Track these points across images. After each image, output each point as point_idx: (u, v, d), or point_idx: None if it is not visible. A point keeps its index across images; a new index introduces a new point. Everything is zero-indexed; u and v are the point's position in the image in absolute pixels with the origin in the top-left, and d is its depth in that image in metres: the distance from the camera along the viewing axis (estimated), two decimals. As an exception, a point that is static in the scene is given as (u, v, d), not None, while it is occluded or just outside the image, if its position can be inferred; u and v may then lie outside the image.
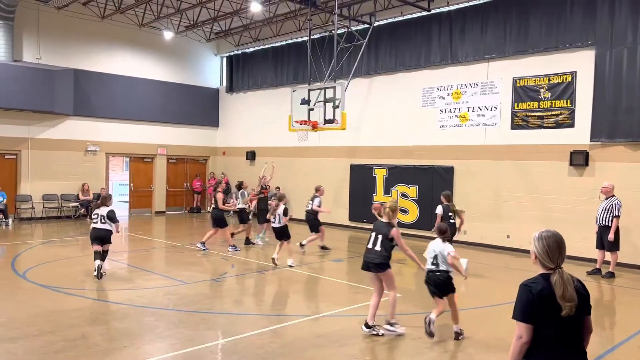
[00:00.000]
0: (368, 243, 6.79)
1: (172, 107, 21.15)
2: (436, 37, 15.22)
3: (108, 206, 9.68)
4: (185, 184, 22.17)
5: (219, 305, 8.16)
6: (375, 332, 6.59)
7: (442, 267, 6.45)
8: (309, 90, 14.10)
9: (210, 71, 22.71)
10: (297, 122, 14.00)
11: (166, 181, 21.47)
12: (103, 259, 9.55)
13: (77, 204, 18.51)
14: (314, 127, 13.91)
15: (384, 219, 6.80)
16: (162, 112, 20.90)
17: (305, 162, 18.88)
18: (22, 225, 16.61)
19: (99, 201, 9.91)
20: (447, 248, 6.49)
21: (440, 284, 6.44)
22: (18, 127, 17.34)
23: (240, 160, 21.51)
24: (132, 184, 20.88)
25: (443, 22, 15.06)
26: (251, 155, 21.06)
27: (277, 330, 6.84)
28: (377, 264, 6.63)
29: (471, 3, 14.47)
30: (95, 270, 9.29)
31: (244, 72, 21.50)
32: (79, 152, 18.84)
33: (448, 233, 6.81)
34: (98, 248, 9.47)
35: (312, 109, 13.98)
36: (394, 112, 16.27)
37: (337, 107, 13.35)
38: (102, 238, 9.52)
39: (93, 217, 9.64)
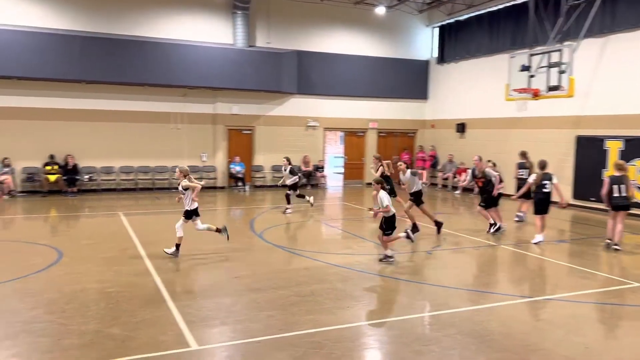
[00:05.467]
0: (614, 192, 9.76)
1: (382, 82, 21.66)
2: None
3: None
4: (394, 157, 22.62)
5: (434, 277, 8.24)
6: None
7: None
8: (530, 55, 13.06)
9: (421, 43, 22.53)
10: (515, 90, 13.12)
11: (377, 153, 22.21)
12: None
13: (299, 174, 20.35)
14: (535, 95, 12.88)
15: (618, 174, 9.76)
16: (373, 87, 21.57)
17: (522, 134, 17.61)
18: (256, 192, 18.98)
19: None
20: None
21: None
22: (252, 106, 19.73)
23: (449, 133, 21.08)
24: (346, 157, 22.14)
25: None
26: (461, 128, 20.47)
27: (494, 308, 6.64)
28: (628, 205, 9.80)
29: None
30: None
31: (457, 41, 20.81)
32: (300, 128, 20.64)
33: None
34: None
35: (533, 76, 12.94)
36: (635, 76, 14.04)
37: (564, 72, 12.13)
38: None
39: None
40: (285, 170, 14.44)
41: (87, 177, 17.48)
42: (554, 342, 5.54)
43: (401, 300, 6.83)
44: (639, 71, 13.92)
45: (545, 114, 16.45)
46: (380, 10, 19.84)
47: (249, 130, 20.08)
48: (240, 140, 19.96)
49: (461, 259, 9.69)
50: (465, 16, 20.19)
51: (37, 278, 7.59)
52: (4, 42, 15.45)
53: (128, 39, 17.25)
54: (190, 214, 8.89)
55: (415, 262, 9.03)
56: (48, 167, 16.82)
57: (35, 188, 16.84)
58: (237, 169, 19.23)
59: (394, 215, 8.55)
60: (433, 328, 5.93)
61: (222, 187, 19.43)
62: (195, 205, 8.90)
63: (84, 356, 4.94)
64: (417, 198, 11.21)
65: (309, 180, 20.30)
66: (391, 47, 21.89)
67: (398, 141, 22.72)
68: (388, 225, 8.54)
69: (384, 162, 12.19)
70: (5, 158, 16.27)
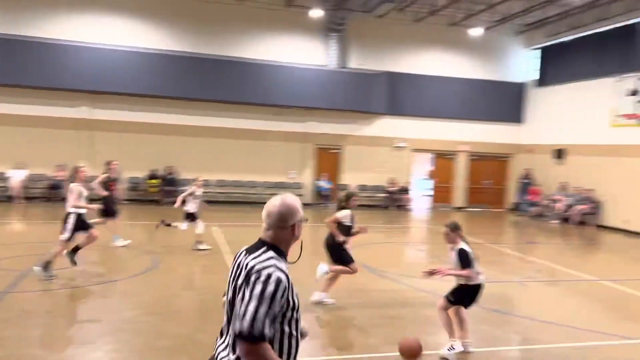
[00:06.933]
0: None
1: (475, 104, 21.09)
2: None
3: None
4: (484, 182, 21.91)
5: (523, 309, 7.82)
6: None
7: None
8: (639, 80, 12.18)
9: (517, 65, 21.71)
10: (621, 116, 12.27)
11: (467, 177, 21.62)
12: None
13: (385, 194, 20.25)
14: (645, 122, 11.95)
15: None
16: (464, 109, 21.06)
17: (628, 163, 16.33)
18: (341, 211, 19.08)
19: None
20: None
21: None
22: (341, 125, 20.00)
23: (545, 159, 20.02)
24: (435, 179, 21.75)
25: None
26: (559, 154, 19.37)
27: (593, 347, 6.18)
28: None
29: None
30: None
31: (558, 64, 19.84)
32: (387, 148, 20.57)
33: None
34: None
35: (643, 101, 12.04)
36: None
37: (679, 97, 11.15)
38: None
39: None
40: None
41: (185, 189, 18.51)
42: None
43: (489, 330, 6.54)
44: None
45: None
46: (477, 32, 19.44)
47: (337, 149, 20.34)
48: (328, 159, 20.25)
49: (555, 292, 9.12)
50: (569, 38, 19.23)
51: (136, 281, 8.13)
52: (117, 61, 16.96)
53: (228, 59, 18.20)
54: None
55: (503, 291, 8.62)
56: (150, 181, 18.02)
57: (139, 196, 18.11)
58: (324, 186, 19.51)
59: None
60: (523, 363, 5.62)
61: (309, 204, 19.75)
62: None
63: (173, 358, 5.21)
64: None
65: (393, 201, 20.13)
66: (485, 68, 21.31)
67: (490, 165, 21.95)
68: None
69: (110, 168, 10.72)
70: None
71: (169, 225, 10.83)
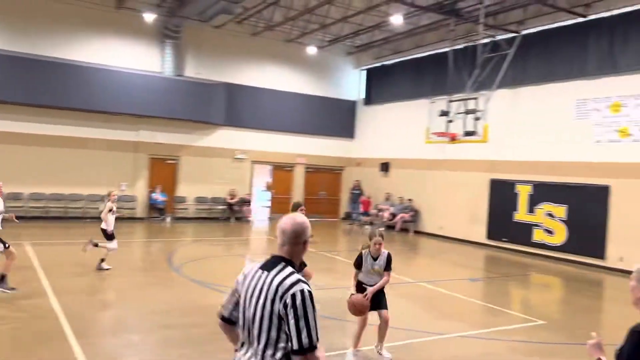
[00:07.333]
0: None
1: (311, 119, 22.00)
2: (593, 46, 13.97)
3: None
4: (320, 193, 22.90)
5: (350, 314, 8.24)
6: None
7: None
8: (449, 102, 13.82)
9: (349, 84, 23.23)
10: (434, 134, 13.79)
11: (304, 189, 22.37)
12: None
13: (224, 206, 20.00)
14: (453, 139, 13.59)
15: None
16: (301, 123, 21.83)
17: (440, 175, 18.43)
18: (178, 224, 18.39)
19: None
20: None
21: None
22: (178, 135, 19.29)
23: (373, 172, 21.66)
24: (273, 191, 22.09)
25: (602, 29, 13.78)
26: (385, 167, 21.11)
27: (411, 345, 6.74)
28: None
29: (636, 7, 13.07)
30: None
31: (382, 84, 21.67)
32: (227, 159, 20.40)
33: None
34: None
35: (452, 121, 13.68)
36: (542, 125, 15.21)
37: (479, 119, 12.92)
38: None
39: None
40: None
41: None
42: (465, 378, 5.67)
43: (325, 337, 6.74)
44: (545, 122, 15.11)
45: (463, 157, 17.35)
46: (311, 50, 20.34)
47: (174, 160, 19.56)
48: (163, 170, 19.37)
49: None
50: (392, 61, 21.14)
51: None
52: None
53: (48, 60, 16.43)
54: None
55: (334, 297, 9.00)
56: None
57: None
58: (158, 199, 18.58)
59: None
60: (350, 366, 5.90)
61: (142, 218, 18.64)
62: None
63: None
64: None
65: (233, 213, 19.98)
66: (320, 86, 22.38)
67: (325, 177, 23.02)
68: None
69: None
70: None
71: (96, 245, 9.93)
